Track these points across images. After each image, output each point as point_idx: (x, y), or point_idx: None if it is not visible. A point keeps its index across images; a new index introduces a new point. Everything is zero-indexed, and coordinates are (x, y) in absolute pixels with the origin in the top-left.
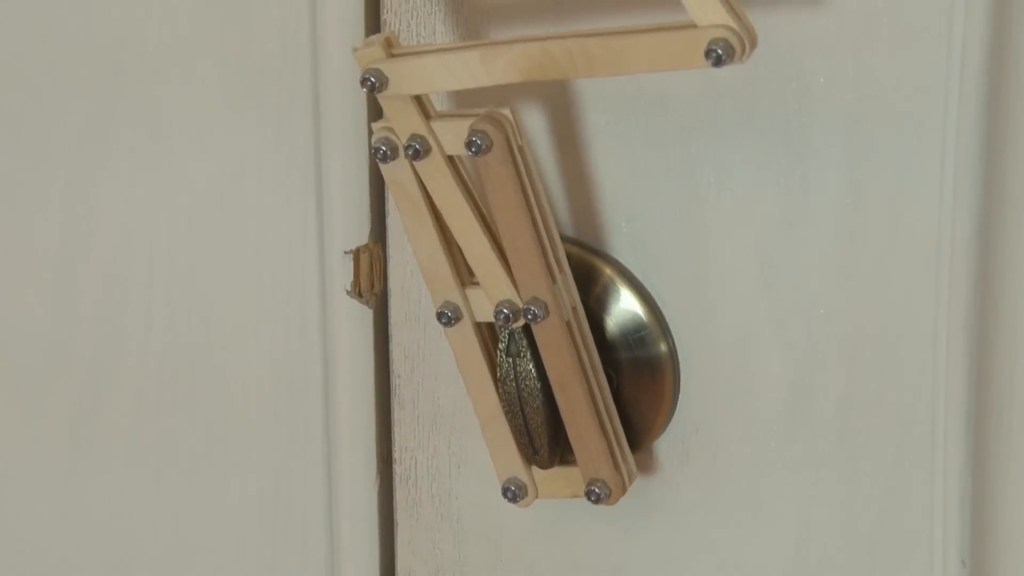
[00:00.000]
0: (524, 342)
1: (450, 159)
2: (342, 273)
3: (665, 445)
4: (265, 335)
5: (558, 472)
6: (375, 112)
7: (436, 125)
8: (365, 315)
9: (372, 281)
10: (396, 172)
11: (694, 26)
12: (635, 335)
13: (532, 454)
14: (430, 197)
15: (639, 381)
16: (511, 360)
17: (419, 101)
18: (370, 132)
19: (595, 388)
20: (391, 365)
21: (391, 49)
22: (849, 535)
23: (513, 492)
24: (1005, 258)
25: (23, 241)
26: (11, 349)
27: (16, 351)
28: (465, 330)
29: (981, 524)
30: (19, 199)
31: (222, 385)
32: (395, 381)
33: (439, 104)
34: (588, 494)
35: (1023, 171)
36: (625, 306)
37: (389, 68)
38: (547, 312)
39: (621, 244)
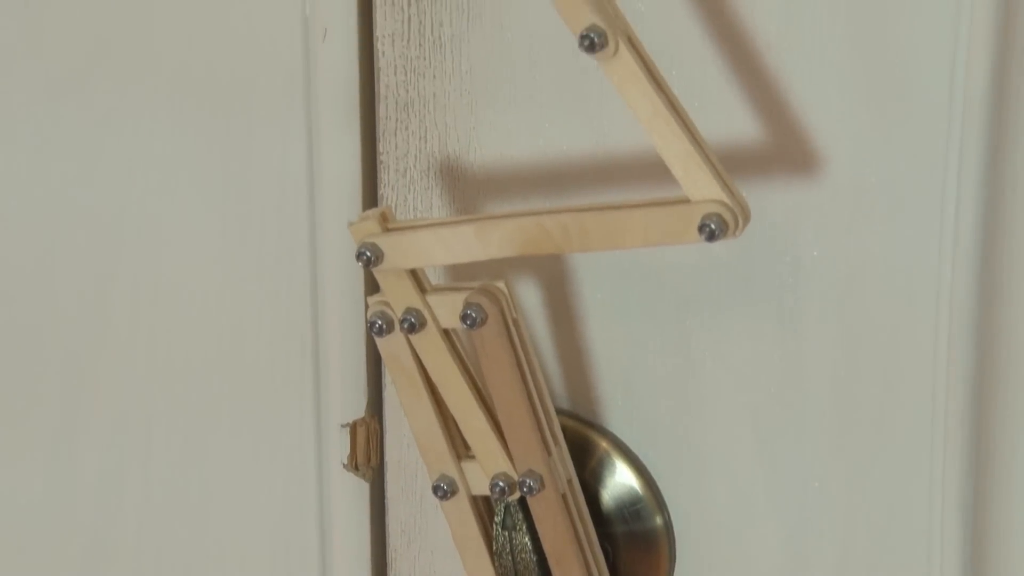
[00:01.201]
0: (520, 515)
1: (445, 332)
2: (339, 446)
3: None
4: (262, 507)
5: None
6: (371, 285)
7: (431, 299)
8: (361, 488)
9: (369, 455)
10: (392, 346)
11: (687, 201)
12: (631, 508)
13: None
14: (426, 370)
15: (635, 554)
16: (507, 533)
17: (414, 275)
18: (367, 306)
19: (591, 562)
20: (387, 539)
21: (386, 223)
22: None
23: None
24: (1000, 430)
25: (22, 415)
26: (10, 523)
27: (15, 524)
28: (461, 504)
29: None
30: (17, 379)
31: (219, 557)
32: (391, 555)
33: (434, 276)
34: None
35: (1016, 343)
36: (621, 479)
37: (384, 242)
38: (543, 485)
39: (616, 417)
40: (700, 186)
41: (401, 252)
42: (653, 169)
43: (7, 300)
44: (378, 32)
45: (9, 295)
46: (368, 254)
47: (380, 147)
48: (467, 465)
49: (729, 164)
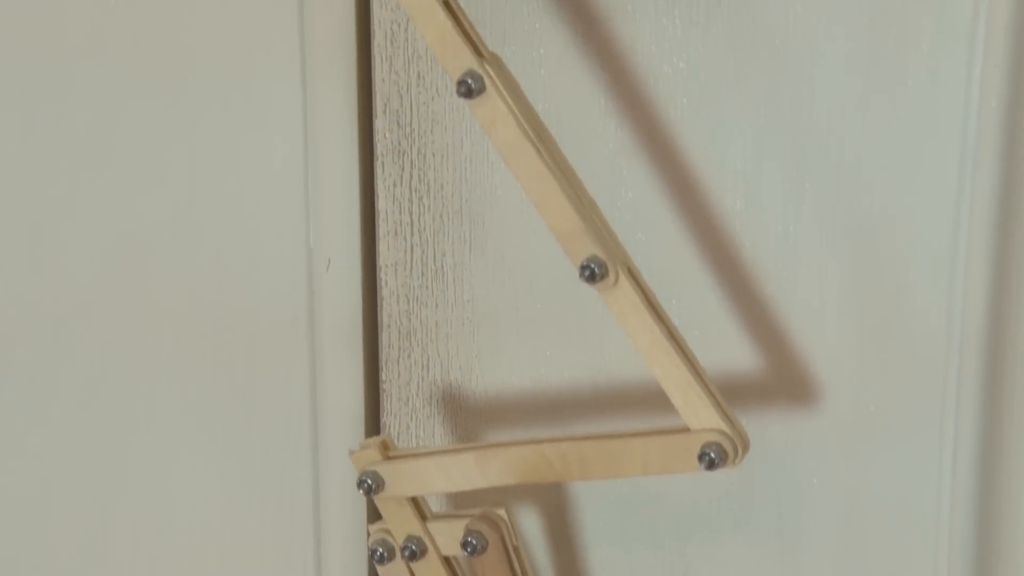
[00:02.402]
0: None
1: (446, 560)
2: None
3: None
4: None
5: None
6: (373, 513)
7: (432, 526)
8: None
9: None
10: (393, 574)
11: (687, 430)
12: None
13: None
14: None
15: None
16: None
17: (415, 502)
18: (368, 533)
19: None
20: None
21: (387, 451)
22: None
23: None
24: None
25: None
26: None
27: None
28: None
29: None
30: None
31: None
32: None
33: (436, 501)
34: None
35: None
36: None
37: (385, 471)
38: None
39: None
40: (700, 415)
41: (402, 480)
42: (653, 398)
43: None
44: (381, 262)
45: None
46: (369, 482)
47: (383, 375)
48: None
49: (728, 393)
